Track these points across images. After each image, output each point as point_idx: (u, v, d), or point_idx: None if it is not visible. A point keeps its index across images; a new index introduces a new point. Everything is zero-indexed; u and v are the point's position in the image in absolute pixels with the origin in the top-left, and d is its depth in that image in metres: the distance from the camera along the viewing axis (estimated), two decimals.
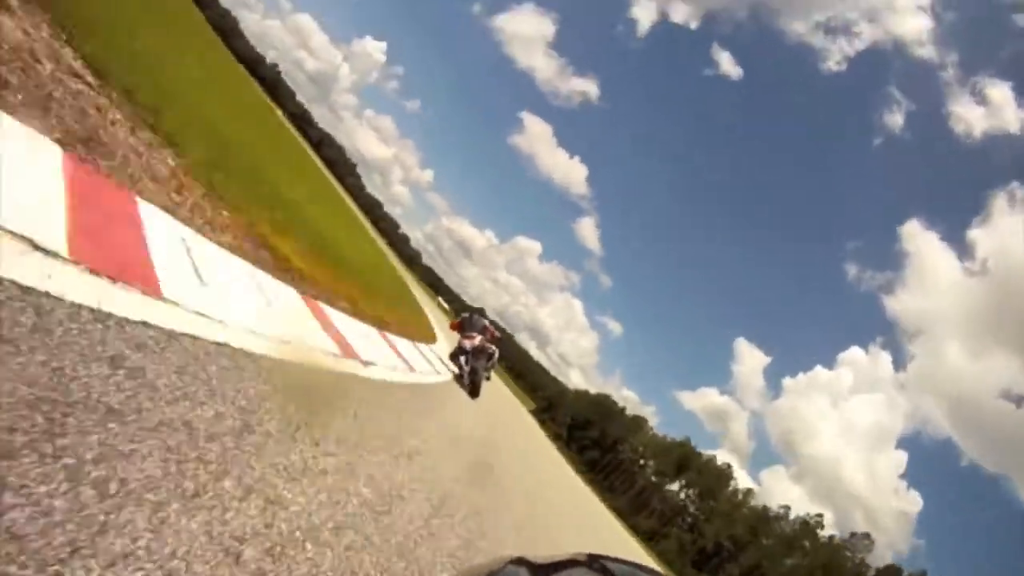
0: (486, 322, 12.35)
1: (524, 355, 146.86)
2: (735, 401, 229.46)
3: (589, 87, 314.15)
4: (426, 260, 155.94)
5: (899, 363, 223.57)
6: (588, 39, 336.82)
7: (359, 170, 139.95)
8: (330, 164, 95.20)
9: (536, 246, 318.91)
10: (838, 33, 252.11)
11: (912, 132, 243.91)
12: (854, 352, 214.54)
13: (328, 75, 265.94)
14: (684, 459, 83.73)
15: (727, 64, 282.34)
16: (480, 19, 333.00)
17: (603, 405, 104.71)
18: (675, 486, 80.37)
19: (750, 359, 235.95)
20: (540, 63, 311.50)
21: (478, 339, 11.76)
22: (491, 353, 12.04)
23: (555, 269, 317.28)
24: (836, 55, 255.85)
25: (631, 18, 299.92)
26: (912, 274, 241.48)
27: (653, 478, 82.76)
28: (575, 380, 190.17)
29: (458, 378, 11.73)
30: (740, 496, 77.40)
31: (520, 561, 1.09)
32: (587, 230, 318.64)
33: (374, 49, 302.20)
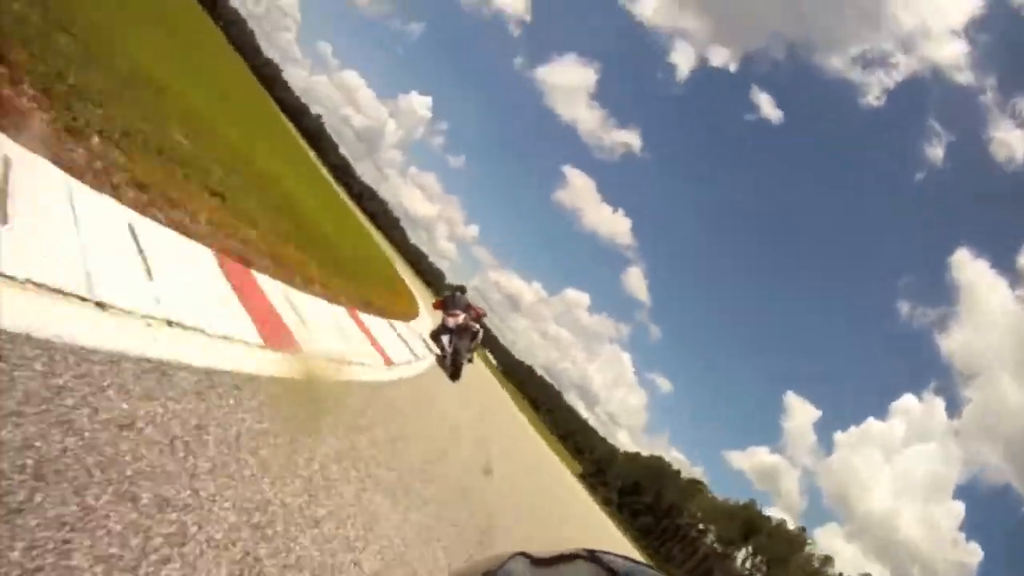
0: (470, 300, 11.54)
1: (572, 415, 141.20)
2: (786, 459, 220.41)
3: (631, 138, 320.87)
4: None
5: (954, 409, 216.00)
6: (629, 87, 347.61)
7: (403, 224, 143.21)
8: (372, 216, 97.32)
9: (584, 298, 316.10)
10: (875, 66, 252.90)
11: (954, 164, 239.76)
12: (907, 400, 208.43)
13: (375, 131, 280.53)
14: (750, 523, 76.11)
15: (767, 107, 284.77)
16: (522, 71, 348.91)
17: (656, 468, 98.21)
18: (741, 553, 72.51)
19: (800, 414, 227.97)
20: (583, 115, 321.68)
21: (462, 317, 11.06)
22: (475, 332, 11.27)
23: (604, 321, 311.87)
24: (875, 89, 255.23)
25: (670, 63, 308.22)
26: (965, 308, 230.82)
27: (716, 545, 75.20)
28: (622, 440, 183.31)
29: (440, 359, 10.88)
30: (816, 564, 68.74)
31: (522, 555, 1.15)
32: (635, 280, 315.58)
33: (420, 104, 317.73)
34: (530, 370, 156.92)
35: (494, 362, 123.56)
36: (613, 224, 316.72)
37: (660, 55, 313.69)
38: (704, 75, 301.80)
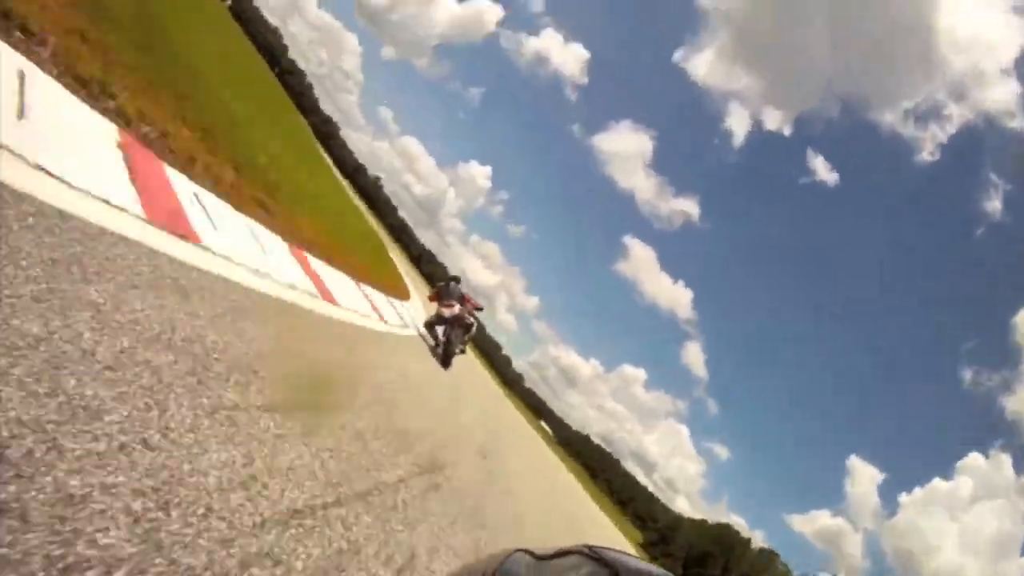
0: (464, 291, 11.98)
1: (630, 480, 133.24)
2: (848, 522, 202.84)
3: (690, 206, 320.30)
4: (528, 384, 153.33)
5: (1022, 465, 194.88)
6: (686, 154, 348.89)
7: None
8: (430, 280, 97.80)
9: (641, 374, 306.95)
10: (928, 119, 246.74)
11: (1012, 215, 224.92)
12: (974, 458, 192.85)
13: (435, 200, 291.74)
14: None
15: (823, 170, 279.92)
16: (581, 139, 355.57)
17: (725, 536, 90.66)
18: None
19: (864, 477, 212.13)
20: (641, 183, 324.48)
21: (457, 308, 11.47)
22: (469, 324, 11.66)
23: (661, 397, 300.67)
24: (929, 144, 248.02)
25: (726, 129, 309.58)
26: None
27: None
28: (681, 506, 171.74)
29: (433, 348, 11.28)
30: None
31: (523, 551, 1.17)
32: (693, 355, 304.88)
33: (479, 174, 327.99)
34: (586, 439, 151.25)
35: (549, 431, 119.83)
36: (674, 296, 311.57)
37: (715, 120, 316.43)
38: (759, 140, 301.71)
